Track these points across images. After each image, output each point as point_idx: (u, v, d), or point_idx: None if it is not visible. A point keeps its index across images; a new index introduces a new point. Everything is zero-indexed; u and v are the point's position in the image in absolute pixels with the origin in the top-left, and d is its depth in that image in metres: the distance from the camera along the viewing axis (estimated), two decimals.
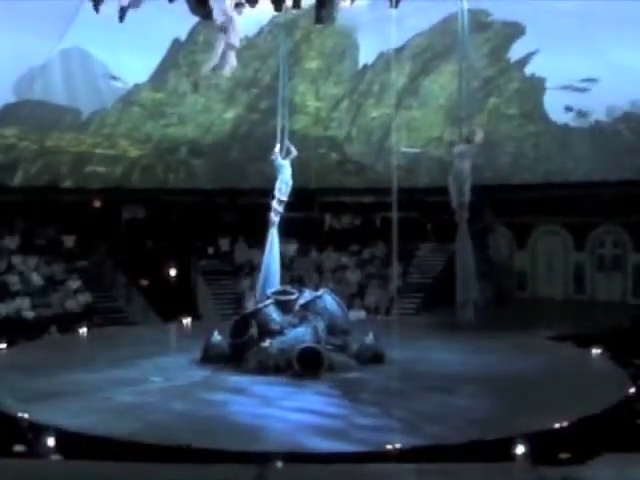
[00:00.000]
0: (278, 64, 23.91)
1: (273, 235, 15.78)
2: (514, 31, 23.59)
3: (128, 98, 24.02)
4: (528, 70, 23.77)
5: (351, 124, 25.24)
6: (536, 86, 23.73)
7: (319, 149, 24.33)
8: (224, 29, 14.98)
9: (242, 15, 15.30)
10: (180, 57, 24.00)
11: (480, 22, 24.12)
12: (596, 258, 23.11)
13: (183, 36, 23.89)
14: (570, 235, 23.35)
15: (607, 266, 22.92)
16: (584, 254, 23.20)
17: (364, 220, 25.13)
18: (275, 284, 15.70)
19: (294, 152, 15.99)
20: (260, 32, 23.57)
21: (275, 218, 15.64)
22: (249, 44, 23.80)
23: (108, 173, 23.93)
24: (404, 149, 22.54)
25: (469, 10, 22.96)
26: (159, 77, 24.12)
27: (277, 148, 15.70)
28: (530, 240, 24.08)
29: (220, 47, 15.08)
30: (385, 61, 24.57)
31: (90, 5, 14.00)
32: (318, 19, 14.31)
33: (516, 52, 23.73)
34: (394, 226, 15.71)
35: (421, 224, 24.19)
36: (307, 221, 24.26)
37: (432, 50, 24.24)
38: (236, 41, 15.26)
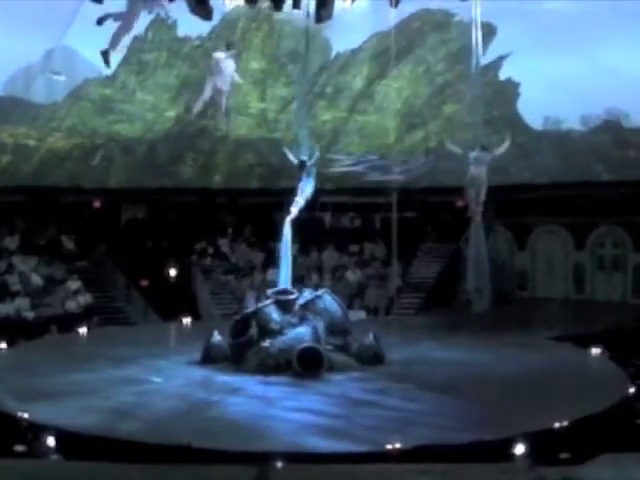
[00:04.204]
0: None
1: (289, 229, 15.86)
2: (484, 32, 22.88)
3: (78, 93, 23.69)
4: (501, 74, 22.75)
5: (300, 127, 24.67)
6: (507, 91, 22.71)
7: (231, 149, 23.85)
8: (212, 72, 14.96)
9: (234, 58, 15.28)
10: (131, 54, 23.88)
11: (440, 23, 23.73)
12: (596, 258, 23.12)
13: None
14: (570, 235, 23.36)
15: (607, 266, 22.94)
16: (584, 254, 23.21)
17: (364, 220, 25.12)
18: (288, 276, 15.69)
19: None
20: (212, 31, 23.50)
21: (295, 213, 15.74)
22: (200, 43, 23.84)
23: (19, 165, 23.25)
24: (332, 156, 22.13)
25: (433, 10, 22.93)
26: (110, 74, 23.88)
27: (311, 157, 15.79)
28: (530, 240, 24.08)
29: (208, 90, 15.03)
30: (342, 62, 24.32)
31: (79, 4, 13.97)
32: (318, 18, 14.30)
33: (490, 54, 22.22)
34: (394, 226, 15.80)
35: (421, 224, 24.19)
36: (307, 221, 24.25)
37: (390, 52, 23.66)
38: (225, 84, 15.16)
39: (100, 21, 13.35)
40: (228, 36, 23.15)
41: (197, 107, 15.57)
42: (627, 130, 22.11)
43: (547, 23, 20.27)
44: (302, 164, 15.58)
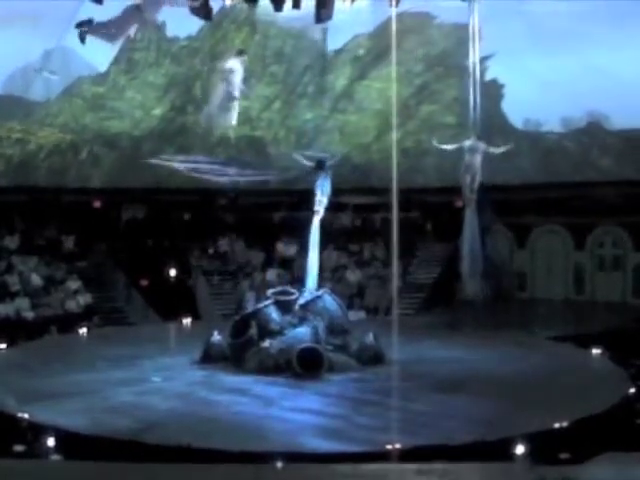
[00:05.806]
0: (212, 61, 24.13)
1: (317, 229, 15.92)
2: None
3: (70, 90, 23.96)
4: (485, 75, 22.01)
5: (281, 125, 24.66)
6: (491, 92, 22.15)
7: (209, 146, 23.87)
8: (223, 80, 14.98)
9: (244, 65, 15.29)
10: (121, 53, 23.98)
11: (420, 25, 23.70)
12: (596, 258, 23.12)
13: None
14: (570, 235, 23.35)
15: (607, 266, 22.94)
16: (584, 254, 23.21)
17: (364, 220, 25.10)
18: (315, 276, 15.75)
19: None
20: (200, 30, 23.49)
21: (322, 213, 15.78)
22: (188, 43, 24.09)
23: (10, 159, 23.50)
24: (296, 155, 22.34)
25: (412, 12, 22.89)
26: (102, 72, 24.24)
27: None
28: (530, 240, 24.08)
29: (217, 100, 15.04)
30: (325, 63, 24.46)
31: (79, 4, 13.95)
32: (318, 18, 14.32)
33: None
34: (394, 226, 15.79)
35: (421, 224, 24.18)
36: (307, 221, 24.22)
37: (372, 53, 23.68)
38: (236, 91, 15.17)
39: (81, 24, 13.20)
40: (212, 36, 23.48)
41: (205, 120, 15.53)
42: (608, 132, 22.19)
43: (532, 24, 20.27)
44: (320, 163, 15.61)
